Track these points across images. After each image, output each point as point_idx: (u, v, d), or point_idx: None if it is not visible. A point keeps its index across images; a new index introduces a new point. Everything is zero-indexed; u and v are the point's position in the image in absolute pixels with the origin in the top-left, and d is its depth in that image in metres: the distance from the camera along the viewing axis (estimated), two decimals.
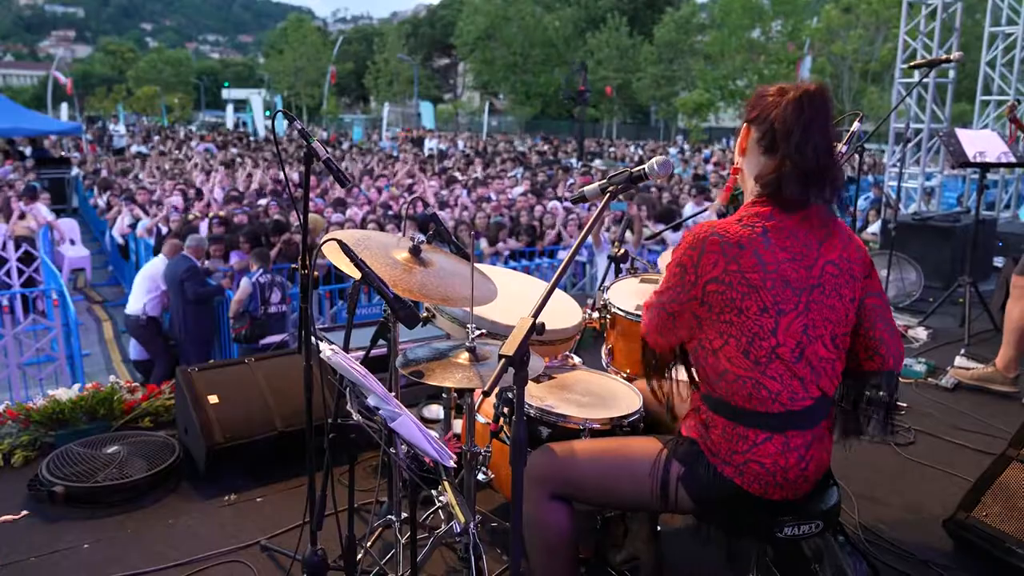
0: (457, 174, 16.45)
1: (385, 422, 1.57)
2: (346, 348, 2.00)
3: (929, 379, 4.58)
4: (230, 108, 45.10)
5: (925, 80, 8.70)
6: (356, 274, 1.96)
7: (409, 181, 14.34)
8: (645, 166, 1.93)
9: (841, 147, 2.91)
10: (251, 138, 33.71)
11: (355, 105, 66.10)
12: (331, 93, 53.46)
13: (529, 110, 50.40)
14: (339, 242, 1.93)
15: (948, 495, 3.09)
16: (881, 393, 2.07)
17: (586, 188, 2.02)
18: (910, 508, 3.16)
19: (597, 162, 21.02)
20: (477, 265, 2.95)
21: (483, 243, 9.55)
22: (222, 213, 9.86)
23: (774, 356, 1.82)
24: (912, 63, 4.56)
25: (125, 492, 3.11)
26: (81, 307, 10.60)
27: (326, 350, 1.61)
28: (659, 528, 2.51)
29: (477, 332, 2.04)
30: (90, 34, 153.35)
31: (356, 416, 1.59)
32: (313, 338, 2.05)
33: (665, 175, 1.94)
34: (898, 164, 6.82)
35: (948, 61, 4.46)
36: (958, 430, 3.92)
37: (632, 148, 32.01)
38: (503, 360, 1.45)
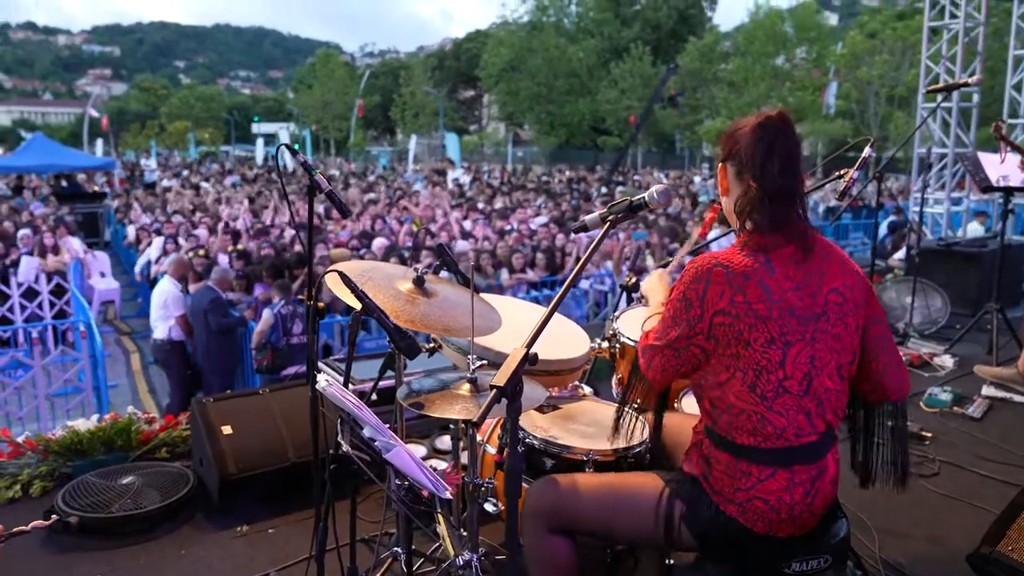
0: (480, 204, 16.55)
1: (380, 453, 1.56)
2: (346, 379, 2.01)
3: (955, 408, 4.48)
4: (260, 142, 45.88)
5: (948, 104, 8.64)
6: (358, 305, 1.97)
7: (433, 212, 14.44)
8: (645, 195, 1.94)
9: (852, 173, 2.89)
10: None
11: (382, 137, 66.96)
12: (358, 126, 54.25)
13: (553, 140, 50.71)
14: (340, 273, 1.95)
15: (973, 528, 3.00)
16: (889, 423, 2.03)
17: (587, 217, 2.03)
18: (933, 541, 3.08)
19: (620, 190, 21.05)
20: (485, 296, 2.96)
21: (504, 273, 9.57)
22: (241, 246, 10.00)
23: (781, 390, 1.78)
24: (931, 87, 4.54)
25: (139, 523, 3.13)
26: (110, 338, 10.77)
27: (321, 381, 1.61)
28: (670, 562, 2.47)
29: (479, 362, 2.04)
30: (126, 72, 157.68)
31: (346, 448, 1.59)
32: (317, 369, 2.06)
33: (665, 204, 1.95)
34: (922, 189, 6.72)
35: (967, 85, 4.44)
36: (984, 460, 3.82)
37: (657, 175, 32.03)
38: (494, 391, 1.45)
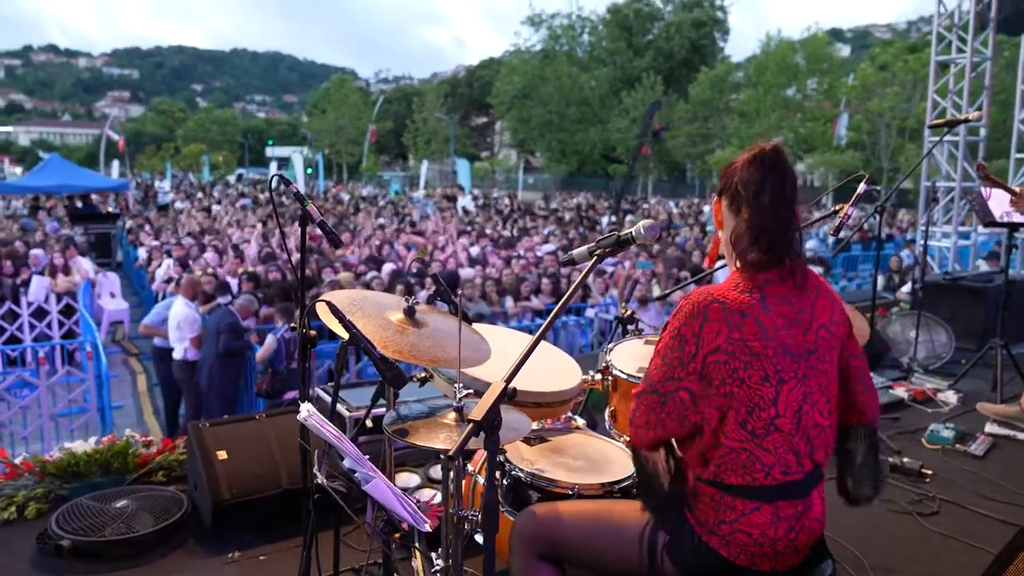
0: (488, 231, 16.62)
1: (359, 484, 1.57)
2: (332, 408, 2.02)
3: (957, 445, 4.44)
4: (273, 165, 46.35)
5: (955, 138, 8.64)
6: (345, 334, 1.99)
7: (441, 239, 14.51)
8: (632, 230, 1.94)
9: (847, 208, 2.89)
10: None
11: (394, 162, 67.47)
12: (371, 151, 54.70)
13: (564, 168, 50.96)
14: (328, 303, 1.97)
15: (970, 569, 2.96)
16: (866, 444, 2.02)
17: (575, 251, 2.04)
18: None
19: (630, 219, 21.09)
20: (478, 326, 2.97)
21: (508, 300, 9.58)
22: (251, 269, 10.06)
23: (772, 428, 1.78)
24: (932, 123, 4.55)
25: (131, 547, 3.13)
26: (117, 359, 10.82)
27: (303, 411, 1.62)
28: None
29: (464, 392, 2.05)
30: (144, 95, 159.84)
31: (321, 479, 1.59)
32: (306, 397, 2.06)
33: (652, 238, 1.95)
34: (926, 224, 6.71)
35: (967, 121, 4.45)
36: (985, 499, 3.78)
37: (669, 204, 32.09)
38: (471, 425, 1.46)
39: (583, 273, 1.93)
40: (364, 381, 5.12)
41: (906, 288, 9.20)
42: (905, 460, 4.09)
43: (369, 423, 2.89)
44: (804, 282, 1.88)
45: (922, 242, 6.57)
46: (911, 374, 5.77)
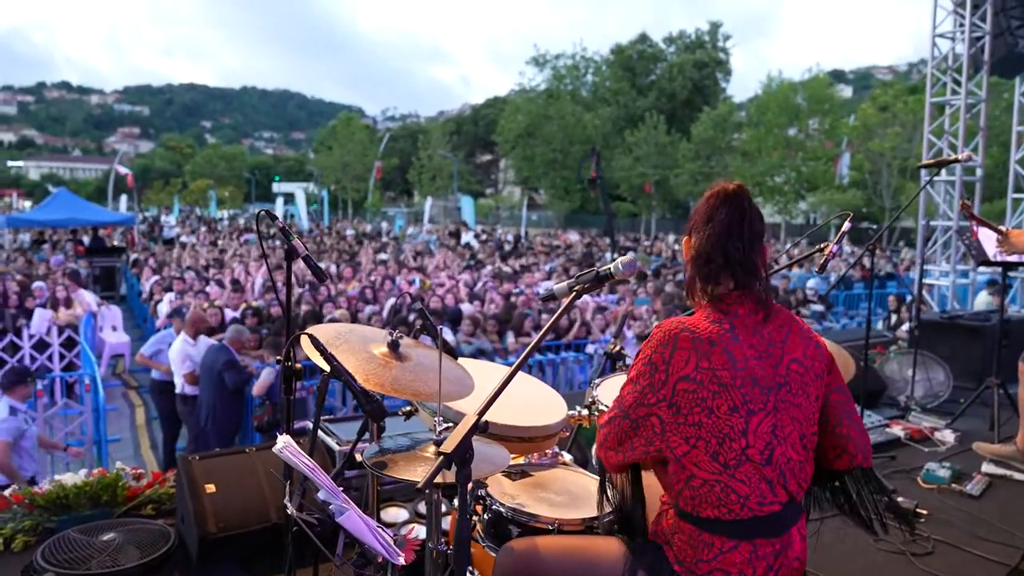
0: (489, 267, 16.69)
1: (332, 517, 1.58)
2: (312, 441, 2.03)
3: (953, 485, 4.40)
4: (279, 201, 46.70)
5: (952, 177, 8.71)
6: (326, 367, 2.00)
7: (442, 275, 14.56)
8: (611, 265, 1.98)
9: (832, 246, 2.92)
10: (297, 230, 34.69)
11: (399, 199, 67.97)
12: (376, 187, 55.17)
13: (567, 205, 51.26)
14: (311, 336, 1.99)
15: None
16: (862, 486, 2.02)
17: (555, 287, 2.07)
18: None
19: (630, 255, 21.13)
20: (474, 362, 2.98)
21: (509, 336, 9.59)
22: (255, 303, 10.09)
23: (744, 458, 1.78)
24: (921, 163, 4.61)
25: None
26: (117, 392, 10.82)
27: (279, 442, 1.64)
28: None
29: (445, 426, 2.06)
30: (153, 131, 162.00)
31: (291, 511, 1.60)
32: (286, 430, 2.07)
33: (631, 274, 1.98)
34: (920, 262, 6.73)
35: (956, 161, 4.48)
36: (981, 540, 3.73)
37: (671, 240, 32.19)
38: (441, 458, 1.46)
39: (560, 308, 1.96)
40: (358, 416, 5.12)
41: (905, 327, 9.18)
42: (900, 500, 4.05)
43: (359, 457, 2.91)
44: (774, 317, 1.90)
45: (919, 280, 6.58)
46: (908, 412, 5.74)
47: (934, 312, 7.70)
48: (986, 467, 4.62)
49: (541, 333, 1.84)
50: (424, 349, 2.44)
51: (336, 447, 3.47)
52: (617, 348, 3.23)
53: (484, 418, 1.58)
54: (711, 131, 41.42)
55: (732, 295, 1.87)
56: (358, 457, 2.96)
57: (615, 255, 22.20)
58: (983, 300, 9.49)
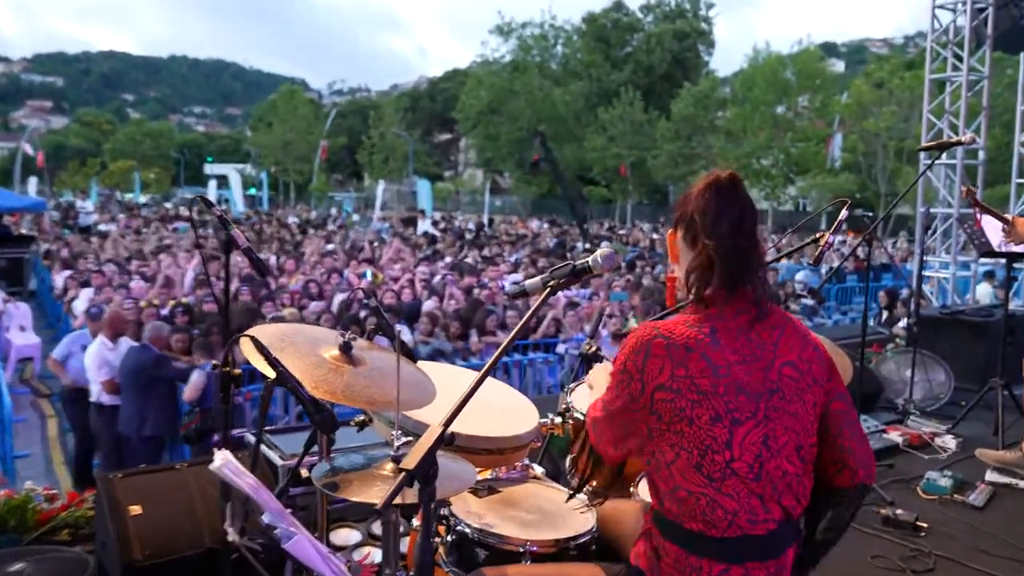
0: (448, 259, 16.65)
1: (279, 542, 1.55)
2: (255, 457, 2.00)
3: (955, 495, 4.49)
4: (212, 184, 46.05)
5: (952, 161, 8.88)
6: (271, 373, 1.97)
7: (396, 268, 14.49)
8: (589, 259, 1.97)
9: (828, 236, 2.95)
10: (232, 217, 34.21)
11: (347, 182, 67.50)
12: (321, 169, 54.70)
13: (535, 189, 51.36)
14: (252, 338, 1.95)
15: None
16: (852, 509, 2.02)
17: (527, 282, 2.06)
18: None
19: (605, 246, 21.22)
20: (435, 364, 2.96)
21: (472, 336, 9.57)
22: (186, 300, 9.93)
23: (729, 471, 1.78)
24: (922, 146, 4.68)
25: None
26: (25, 401, 10.58)
27: (217, 459, 1.60)
28: None
29: (404, 439, 2.04)
30: (68, 105, 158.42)
31: (232, 536, 1.57)
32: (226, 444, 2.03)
33: (610, 268, 1.98)
34: (920, 253, 6.86)
35: (959, 144, 4.56)
36: (985, 554, 3.82)
37: (648, 229, 32.42)
38: (403, 475, 1.45)
39: (534, 306, 1.94)
40: (303, 425, 5.06)
41: (903, 322, 9.33)
42: (899, 512, 4.12)
43: (305, 473, 2.87)
44: (765, 317, 1.91)
45: (917, 272, 6.70)
46: (907, 417, 5.85)
47: (934, 307, 7.85)
48: (990, 475, 4.72)
49: (513, 333, 1.83)
50: (379, 352, 2.41)
51: (279, 461, 3.42)
52: (592, 349, 3.23)
53: (450, 429, 1.56)
54: (692, 108, 41.78)
55: (719, 294, 1.87)
56: (304, 473, 2.95)
57: (586, 245, 22.19)
58: (985, 292, 9.67)
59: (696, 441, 1.78)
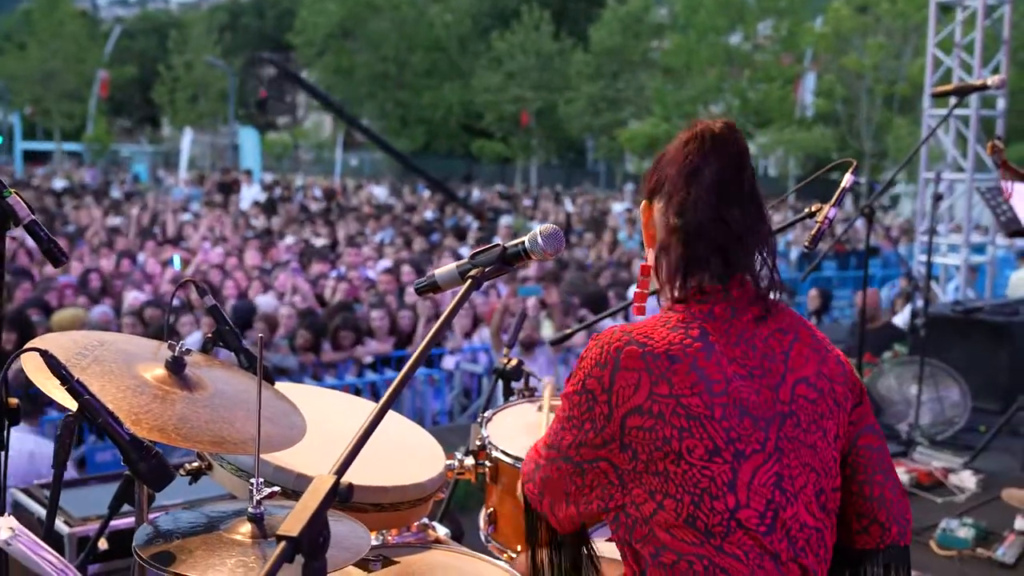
0: (289, 240, 16.43)
1: None
2: (51, 518, 1.93)
3: (978, 549, 4.69)
4: None
5: (965, 111, 9.19)
6: (72, 404, 1.90)
7: (215, 253, 14.23)
8: (526, 239, 1.96)
9: (828, 209, 3.03)
10: None
11: (138, 130, 65.70)
12: (100, 111, 53.02)
13: (406, 143, 51.13)
14: (43, 352, 1.87)
15: None
16: None
17: (438, 272, 2.03)
18: None
19: (505, 221, 21.38)
20: (291, 386, 2.91)
21: (326, 347, 9.47)
22: None
23: (734, 523, 1.77)
24: (937, 89, 4.85)
25: None
26: None
27: (2, 530, 1.53)
28: None
29: (266, 491, 2.00)
30: None
31: None
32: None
33: (553, 253, 1.97)
34: (929, 232, 7.06)
35: (985, 88, 4.73)
36: None
37: (560, 198, 32.76)
38: (283, 544, 1.41)
39: (452, 304, 1.91)
40: (94, 476, 4.90)
41: (901, 317, 9.39)
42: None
43: (104, 544, 2.80)
44: (773, 318, 1.93)
45: (924, 258, 6.87)
46: (912, 447, 6.05)
47: (942, 303, 8.13)
48: (1020, 523, 4.95)
49: (426, 341, 1.80)
50: (223, 370, 2.37)
51: (66, 529, 3.33)
52: (513, 363, 3.24)
53: (345, 478, 1.53)
54: (618, 37, 42.18)
55: (708, 287, 1.88)
56: (103, 546, 2.86)
57: (474, 221, 22.20)
58: (1020, 281, 9.67)
59: (687, 485, 1.77)
